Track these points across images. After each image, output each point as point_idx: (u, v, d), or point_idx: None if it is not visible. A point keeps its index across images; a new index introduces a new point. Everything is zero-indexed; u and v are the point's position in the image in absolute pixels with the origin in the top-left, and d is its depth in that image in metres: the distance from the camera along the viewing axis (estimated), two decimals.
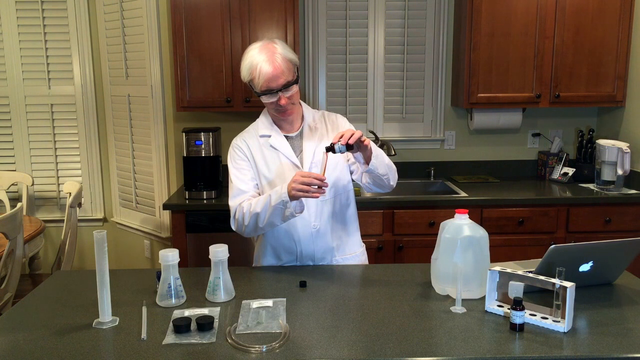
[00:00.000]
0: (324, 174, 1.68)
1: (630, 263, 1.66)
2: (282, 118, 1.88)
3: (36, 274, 3.28)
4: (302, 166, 1.89)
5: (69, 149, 3.77)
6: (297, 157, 1.90)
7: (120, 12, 3.47)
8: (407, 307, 1.53)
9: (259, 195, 1.87)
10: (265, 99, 1.81)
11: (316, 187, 1.65)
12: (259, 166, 1.90)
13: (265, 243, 1.97)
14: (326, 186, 1.67)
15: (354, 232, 2.02)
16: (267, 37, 1.89)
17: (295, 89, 1.80)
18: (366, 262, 2.05)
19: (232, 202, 1.87)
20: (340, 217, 1.95)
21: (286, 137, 1.92)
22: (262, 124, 1.95)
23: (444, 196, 3.05)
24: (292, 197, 1.69)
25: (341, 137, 1.68)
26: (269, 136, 1.91)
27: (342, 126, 1.97)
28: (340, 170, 1.93)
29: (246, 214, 1.80)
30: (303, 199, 1.74)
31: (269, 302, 1.55)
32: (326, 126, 1.96)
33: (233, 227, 1.88)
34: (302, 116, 1.95)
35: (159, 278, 1.59)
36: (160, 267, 1.55)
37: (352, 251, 2.00)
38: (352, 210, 2.00)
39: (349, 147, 1.69)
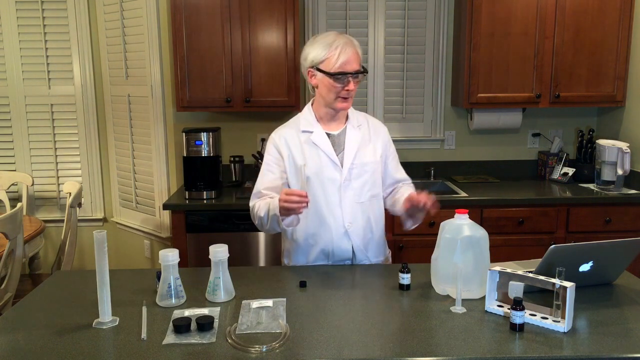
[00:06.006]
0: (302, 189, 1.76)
1: (630, 263, 1.66)
2: (338, 108, 1.85)
3: (36, 274, 3.28)
4: (341, 165, 1.88)
5: (69, 149, 3.77)
6: (337, 155, 1.89)
7: (120, 12, 3.47)
8: (407, 307, 1.53)
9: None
10: (334, 81, 1.79)
11: (297, 202, 1.67)
12: (297, 162, 1.89)
13: (296, 241, 1.96)
14: (306, 201, 1.68)
15: (382, 237, 2.03)
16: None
17: (361, 79, 1.83)
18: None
19: (251, 202, 1.95)
20: (372, 220, 1.95)
21: (328, 134, 1.91)
22: (305, 119, 1.93)
23: (444, 196, 3.05)
24: (282, 212, 1.76)
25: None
26: (311, 132, 1.90)
27: (382, 135, 1.99)
28: (378, 176, 1.95)
29: (256, 216, 1.90)
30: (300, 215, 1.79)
31: (269, 302, 1.55)
32: (369, 129, 1.97)
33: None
34: (347, 116, 1.96)
35: (159, 278, 1.59)
36: (160, 267, 1.56)
37: (381, 254, 2.02)
38: (382, 216, 2.01)
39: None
